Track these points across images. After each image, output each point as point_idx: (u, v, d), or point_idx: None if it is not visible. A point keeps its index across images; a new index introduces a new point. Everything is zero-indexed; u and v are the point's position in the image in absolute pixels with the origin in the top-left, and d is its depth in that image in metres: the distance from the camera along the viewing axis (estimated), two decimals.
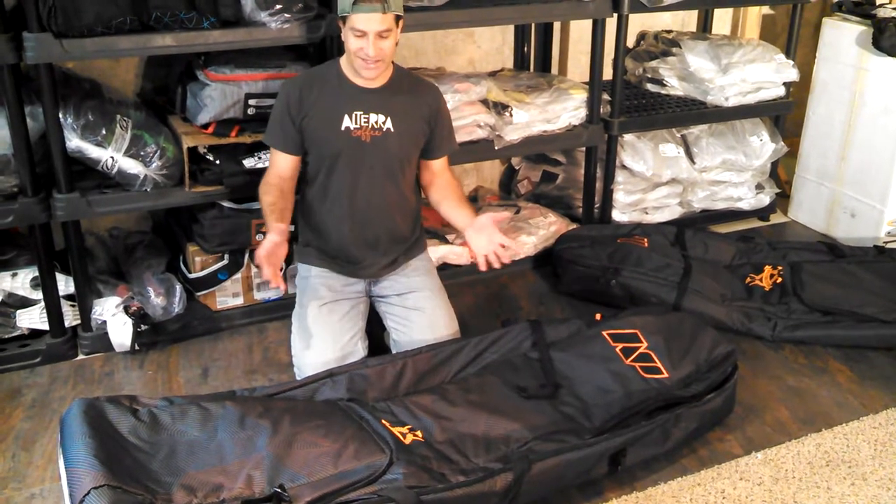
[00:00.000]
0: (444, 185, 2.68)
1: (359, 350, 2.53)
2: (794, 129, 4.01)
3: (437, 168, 2.69)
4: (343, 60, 2.51)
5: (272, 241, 2.32)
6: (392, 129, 2.51)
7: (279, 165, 2.54)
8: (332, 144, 2.50)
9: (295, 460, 1.99)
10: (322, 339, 2.48)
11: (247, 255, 2.95)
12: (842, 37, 3.63)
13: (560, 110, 3.29)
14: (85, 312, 2.80)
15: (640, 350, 2.46)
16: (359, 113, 2.49)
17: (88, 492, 1.76)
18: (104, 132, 2.61)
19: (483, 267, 2.47)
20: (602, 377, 2.39)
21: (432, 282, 2.70)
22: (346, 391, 2.30)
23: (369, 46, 2.35)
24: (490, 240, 2.46)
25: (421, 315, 2.59)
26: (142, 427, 2.02)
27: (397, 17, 2.39)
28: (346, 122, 2.48)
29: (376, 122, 2.50)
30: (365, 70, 2.42)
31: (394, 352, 2.60)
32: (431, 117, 2.60)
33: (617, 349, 2.48)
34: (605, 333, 2.54)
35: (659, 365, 2.41)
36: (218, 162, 2.77)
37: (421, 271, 2.69)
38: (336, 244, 2.60)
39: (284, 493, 1.88)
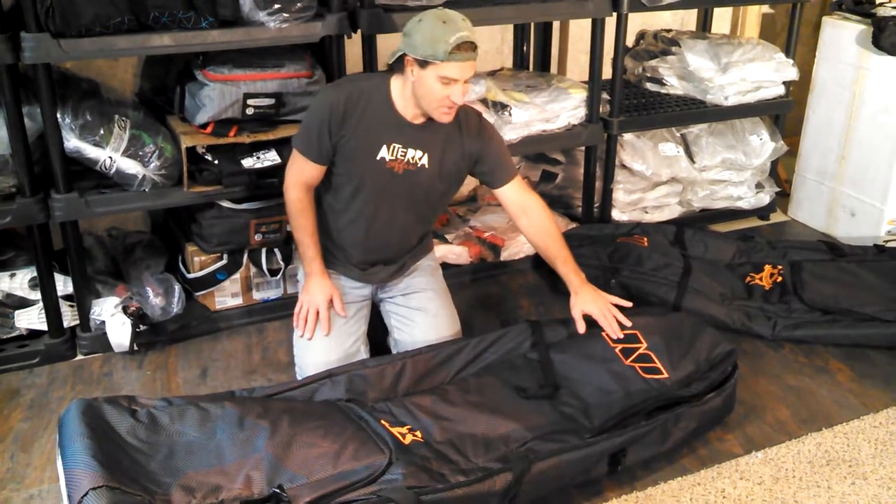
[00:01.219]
0: (538, 230, 2.59)
1: (361, 353, 2.53)
2: (793, 128, 4.01)
3: (511, 198, 2.58)
4: (396, 87, 2.39)
5: (325, 294, 2.49)
6: (427, 166, 2.45)
7: (307, 173, 2.45)
8: (363, 169, 2.43)
9: (294, 461, 1.98)
10: (325, 340, 2.48)
11: (245, 255, 2.95)
12: (841, 36, 3.63)
13: (559, 109, 3.28)
14: (83, 313, 2.79)
15: (640, 350, 2.46)
16: (397, 146, 2.42)
17: (87, 493, 1.76)
18: (102, 132, 2.60)
19: (581, 327, 2.54)
20: (602, 377, 2.38)
21: (436, 282, 2.69)
22: (346, 392, 2.30)
23: (458, 94, 2.28)
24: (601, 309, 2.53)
25: (424, 315, 2.58)
26: (140, 428, 2.02)
27: None
28: (383, 153, 2.41)
29: (413, 158, 2.43)
30: (445, 116, 2.35)
31: (395, 352, 2.60)
32: (474, 149, 2.50)
33: (616, 350, 2.47)
34: (604, 334, 2.53)
35: (659, 365, 2.41)
36: (216, 162, 2.76)
37: (426, 272, 2.68)
38: (347, 254, 2.58)
39: (283, 493, 1.88)
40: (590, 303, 2.53)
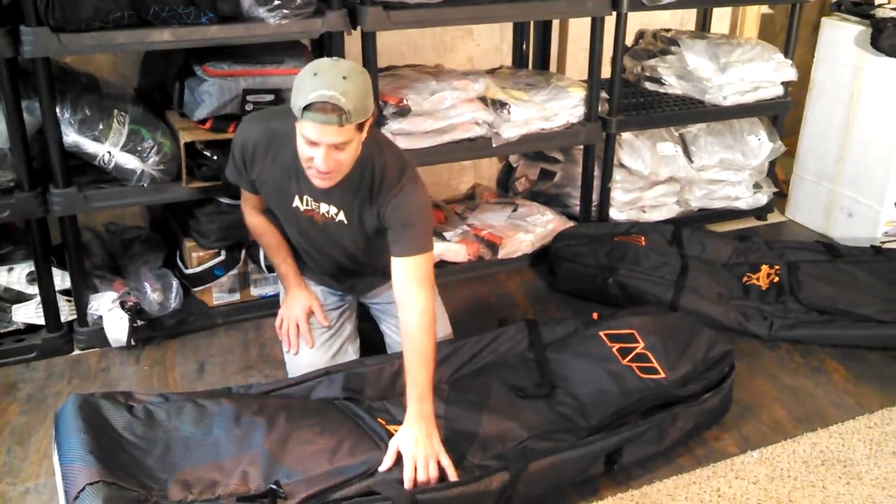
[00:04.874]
0: (404, 331, 2.12)
1: (350, 354, 2.53)
2: (792, 128, 4.01)
3: (395, 274, 2.15)
4: None
5: (303, 306, 2.40)
6: (346, 222, 2.25)
7: (251, 200, 2.44)
8: (284, 213, 2.34)
9: (290, 457, 1.99)
10: (311, 350, 2.48)
11: (243, 251, 2.95)
12: (840, 37, 3.63)
13: (558, 108, 3.28)
14: (81, 307, 2.79)
15: (637, 350, 2.46)
16: (308, 198, 2.24)
17: (83, 488, 1.76)
18: (101, 127, 2.60)
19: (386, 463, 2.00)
20: (599, 377, 2.39)
21: None
22: (343, 390, 2.30)
23: (320, 159, 1.98)
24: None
25: None
26: (137, 423, 2.02)
27: (361, 124, 2.01)
28: (297, 203, 2.26)
29: (327, 212, 2.24)
30: (317, 179, 2.07)
31: (389, 351, 2.60)
32: (382, 218, 2.20)
33: (614, 349, 2.48)
34: (601, 334, 2.54)
35: (656, 365, 2.41)
36: (215, 157, 2.76)
37: None
38: (313, 268, 2.52)
39: (280, 489, 1.88)
40: (409, 442, 1.98)
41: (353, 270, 2.48)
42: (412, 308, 2.10)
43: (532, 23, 3.85)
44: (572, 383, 2.39)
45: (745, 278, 3.16)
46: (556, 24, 3.93)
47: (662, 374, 2.38)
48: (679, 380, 2.39)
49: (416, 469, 1.95)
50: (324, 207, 2.23)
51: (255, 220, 2.49)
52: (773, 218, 3.99)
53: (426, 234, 2.19)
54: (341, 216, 2.23)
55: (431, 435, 2.01)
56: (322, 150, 1.97)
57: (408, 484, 1.95)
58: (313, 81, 1.93)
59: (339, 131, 1.94)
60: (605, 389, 2.34)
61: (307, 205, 2.25)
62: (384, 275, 2.49)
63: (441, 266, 3.22)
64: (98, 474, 1.80)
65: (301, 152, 2.03)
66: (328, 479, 1.94)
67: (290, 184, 2.23)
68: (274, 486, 1.89)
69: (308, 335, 2.47)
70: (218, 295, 2.99)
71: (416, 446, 1.97)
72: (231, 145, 2.34)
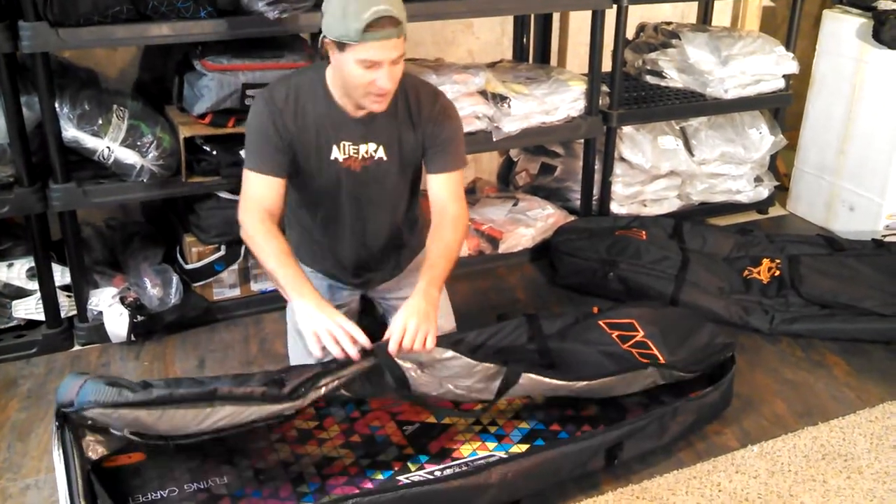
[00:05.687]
0: (435, 225, 2.24)
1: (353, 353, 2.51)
2: (793, 121, 4.01)
3: (434, 189, 2.28)
4: (331, 76, 2.15)
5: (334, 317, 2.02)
6: (385, 158, 2.23)
7: (267, 197, 2.15)
8: (321, 174, 2.24)
9: (290, 378, 2.06)
10: (319, 352, 2.46)
11: (243, 246, 2.95)
12: (842, 29, 3.62)
13: (559, 102, 3.27)
14: (81, 303, 2.79)
15: (637, 338, 2.47)
16: (347, 143, 2.20)
17: (84, 382, 1.81)
18: (100, 122, 2.60)
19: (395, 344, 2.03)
20: (599, 359, 2.39)
21: None
22: None
23: (384, 79, 1.99)
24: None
25: None
26: (136, 386, 1.98)
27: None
28: (336, 153, 2.20)
29: (367, 153, 2.21)
30: (376, 104, 2.08)
31: None
32: (428, 132, 2.25)
33: (614, 335, 2.48)
34: (601, 322, 2.54)
35: (656, 352, 2.41)
36: (215, 152, 2.76)
37: (418, 271, 2.58)
38: (331, 260, 2.44)
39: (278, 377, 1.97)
40: (407, 310, 2.03)
41: (375, 253, 2.41)
42: (450, 215, 2.23)
43: (532, 16, 3.85)
44: (573, 364, 2.39)
45: (746, 272, 3.16)
46: (556, 17, 3.93)
47: (663, 361, 2.38)
48: (679, 362, 2.39)
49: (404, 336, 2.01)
50: (363, 148, 2.21)
51: (260, 227, 2.13)
52: (775, 211, 3.99)
53: (464, 150, 2.32)
54: (381, 152, 2.23)
55: (430, 313, 2.06)
56: (385, 69, 1.99)
57: (393, 346, 2.01)
58: (358, 2, 1.93)
59: (398, 44, 1.98)
60: (606, 371, 2.33)
61: (346, 152, 2.21)
62: (397, 266, 2.51)
63: None
64: (98, 376, 1.86)
65: (359, 79, 2.01)
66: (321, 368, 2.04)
67: (327, 133, 2.18)
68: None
69: (357, 335, 2.05)
70: (218, 290, 2.99)
71: (412, 315, 2.03)
72: (249, 130, 2.21)
